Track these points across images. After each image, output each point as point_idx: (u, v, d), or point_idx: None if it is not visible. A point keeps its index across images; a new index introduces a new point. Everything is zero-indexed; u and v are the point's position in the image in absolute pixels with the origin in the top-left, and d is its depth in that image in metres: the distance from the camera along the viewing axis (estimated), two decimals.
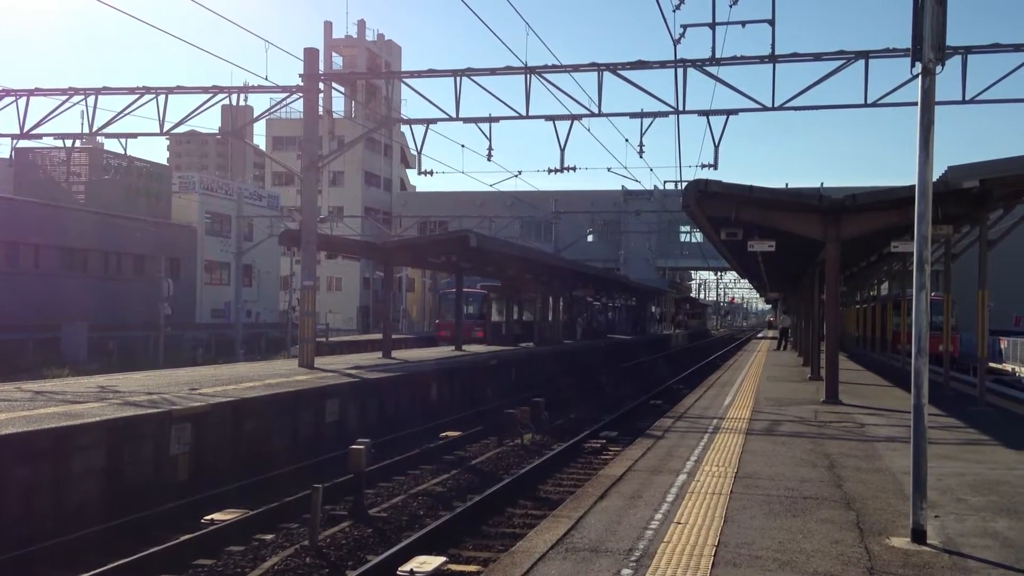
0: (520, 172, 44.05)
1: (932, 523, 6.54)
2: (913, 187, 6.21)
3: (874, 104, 17.38)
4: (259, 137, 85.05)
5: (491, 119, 19.55)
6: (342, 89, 66.04)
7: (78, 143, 28.28)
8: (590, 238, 67.59)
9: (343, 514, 10.03)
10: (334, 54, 71.75)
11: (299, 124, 26.85)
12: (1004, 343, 36.05)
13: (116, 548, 8.84)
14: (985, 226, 14.91)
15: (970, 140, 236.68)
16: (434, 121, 19.83)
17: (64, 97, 20.46)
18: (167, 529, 9.62)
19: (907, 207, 12.92)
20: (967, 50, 16.99)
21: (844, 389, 16.29)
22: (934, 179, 6.25)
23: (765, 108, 17.77)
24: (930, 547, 6.07)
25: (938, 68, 6.15)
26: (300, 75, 19.70)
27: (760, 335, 77.61)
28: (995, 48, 17.05)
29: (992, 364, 29.33)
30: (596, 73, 18.54)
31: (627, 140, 26.18)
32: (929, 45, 6.03)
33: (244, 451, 12.97)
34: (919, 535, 6.15)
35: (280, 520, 9.99)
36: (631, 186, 47.79)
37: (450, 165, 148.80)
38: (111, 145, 53.72)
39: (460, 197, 65.52)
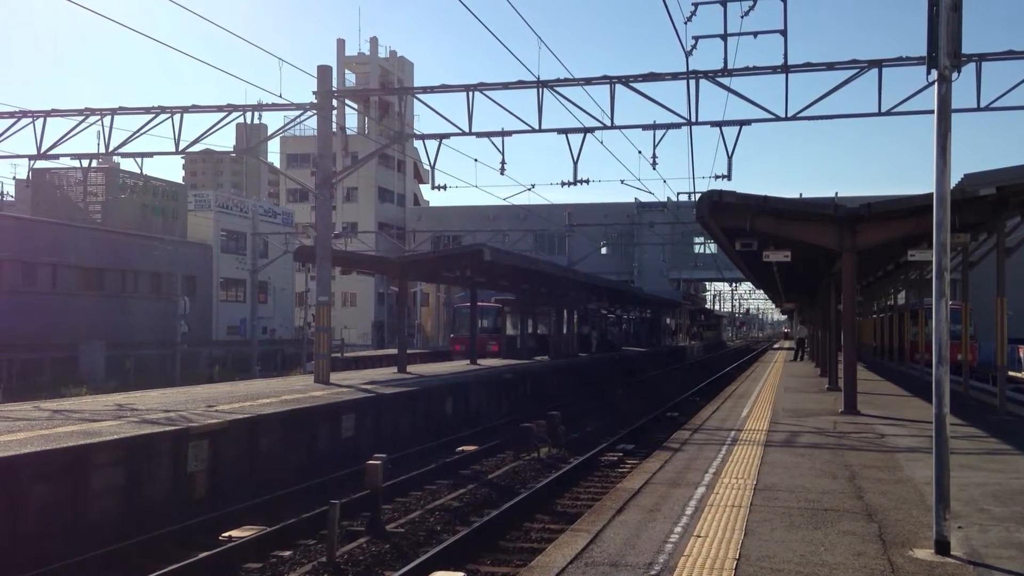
0: (533, 185, 44.02)
1: (956, 534, 6.46)
2: (929, 195, 6.17)
3: (888, 113, 17.31)
4: (273, 155, 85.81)
5: (504, 133, 19.59)
6: (355, 106, 66.46)
7: (94, 163, 28.48)
8: (604, 251, 67.50)
9: (360, 530, 10.02)
10: (347, 71, 72.19)
11: (313, 141, 26.96)
12: (1023, 351, 35.70)
13: (134, 566, 8.87)
14: (1003, 233, 14.84)
15: (985, 148, 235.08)
16: (447, 136, 19.90)
17: (80, 118, 20.65)
18: (185, 546, 9.64)
19: (923, 215, 12.86)
20: (981, 57, 16.92)
21: (862, 399, 16.16)
22: (951, 187, 6.20)
23: (778, 118, 17.72)
24: (954, 559, 5.99)
25: (954, 75, 6.12)
26: (314, 92, 19.81)
27: (776, 346, 77.22)
28: (1009, 55, 16.97)
29: (1011, 373, 29.01)
30: (608, 86, 18.55)
31: (640, 152, 26.07)
32: (945, 52, 6.01)
33: (261, 467, 13.00)
34: (943, 546, 6.08)
35: (297, 536, 9.99)
36: (644, 198, 47.74)
37: (463, 179, 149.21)
38: (127, 164, 54.31)
39: (473, 211, 65.70)
